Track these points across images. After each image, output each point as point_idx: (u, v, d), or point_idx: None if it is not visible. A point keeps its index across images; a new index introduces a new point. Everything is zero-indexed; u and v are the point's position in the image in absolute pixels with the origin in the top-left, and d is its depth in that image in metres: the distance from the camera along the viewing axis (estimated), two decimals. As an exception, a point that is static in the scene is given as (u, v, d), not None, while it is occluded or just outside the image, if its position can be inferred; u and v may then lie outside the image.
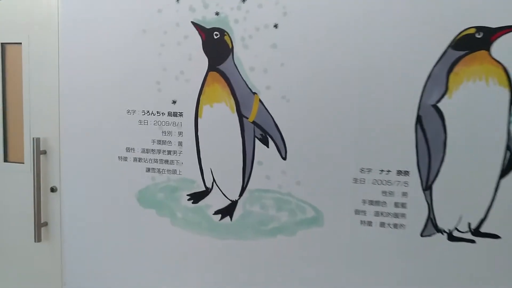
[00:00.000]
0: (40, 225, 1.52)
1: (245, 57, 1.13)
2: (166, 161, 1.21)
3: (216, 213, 1.20)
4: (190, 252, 1.23)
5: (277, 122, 1.12)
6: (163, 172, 1.22)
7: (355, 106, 1.08)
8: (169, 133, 1.20)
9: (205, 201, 1.20)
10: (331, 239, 1.13)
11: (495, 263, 1.06)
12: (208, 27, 1.14)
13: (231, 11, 1.12)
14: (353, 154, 1.10)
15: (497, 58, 1.01)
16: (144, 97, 1.20)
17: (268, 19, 1.11)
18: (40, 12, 1.42)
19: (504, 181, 1.04)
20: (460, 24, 1.01)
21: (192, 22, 1.15)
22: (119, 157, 1.24)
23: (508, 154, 1.04)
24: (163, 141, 1.21)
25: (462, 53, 1.03)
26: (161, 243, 1.24)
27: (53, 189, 1.51)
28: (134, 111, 1.21)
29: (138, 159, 1.23)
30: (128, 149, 1.23)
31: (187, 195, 1.21)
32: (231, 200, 1.18)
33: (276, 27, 1.10)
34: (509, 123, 1.02)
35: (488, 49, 1.01)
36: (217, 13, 1.13)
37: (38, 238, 1.53)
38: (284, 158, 1.14)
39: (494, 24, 1.00)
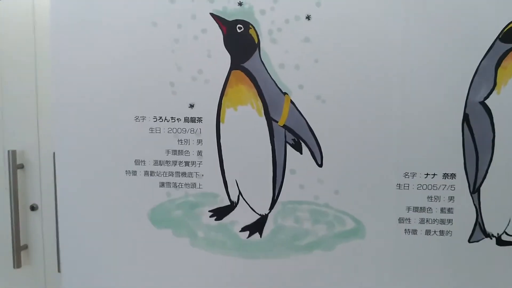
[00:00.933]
0: (19, 249, 1.32)
1: (274, 53, 1.00)
2: (184, 174, 1.05)
3: (243, 229, 1.06)
4: (214, 275, 1.08)
5: (311, 125, 1.01)
6: (180, 186, 1.06)
7: (397, 105, 0.99)
8: (187, 141, 1.04)
9: (230, 217, 1.06)
10: (374, 251, 1.04)
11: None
12: (230, 19, 1.00)
13: (256, 1, 0.98)
14: (396, 158, 1.00)
15: (548, 51, 0.96)
16: (156, 101, 1.03)
17: (299, 10, 0.98)
18: (14, 6, 1.21)
19: (554, 180, 0.99)
20: (509, 14, 0.95)
21: (211, 13, 1.00)
22: (126, 171, 1.06)
23: (558, 151, 0.99)
24: (179, 151, 1.05)
25: (510, 45, 0.96)
26: (180, 267, 1.09)
27: (33, 207, 1.31)
28: (143, 118, 1.04)
29: (149, 173, 1.06)
30: (137, 162, 1.06)
31: (209, 211, 1.06)
32: (260, 215, 1.05)
33: (309, 19, 0.98)
34: (559, 119, 0.98)
35: (538, 41, 0.96)
36: (240, 3, 0.99)
37: (17, 263, 1.33)
38: (320, 165, 1.02)
39: (545, 14, 0.95)
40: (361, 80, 0.99)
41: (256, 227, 1.06)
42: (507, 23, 0.94)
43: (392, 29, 0.97)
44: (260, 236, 1.06)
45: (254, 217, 1.06)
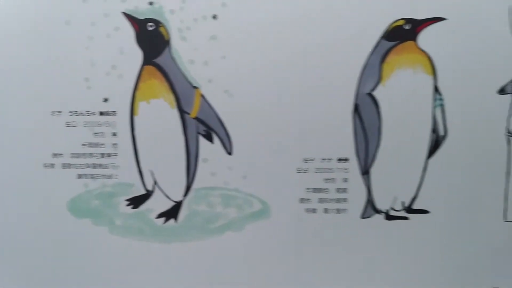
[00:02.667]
0: None
1: (184, 50, 1.07)
2: (100, 165, 1.10)
3: (159, 216, 1.13)
4: (133, 260, 1.14)
5: (221, 117, 1.09)
6: (97, 177, 1.11)
7: (296, 98, 1.09)
8: (102, 134, 1.09)
9: (146, 205, 1.12)
10: (279, 229, 1.14)
11: (426, 234, 1.16)
12: (141, 17, 1.06)
13: (166, 1, 1.05)
14: (296, 145, 1.11)
15: (422, 48, 1.09)
16: (71, 96, 1.07)
17: (206, 10, 1.06)
18: None
19: (431, 161, 1.14)
20: (392, 16, 1.08)
21: (123, 12, 1.05)
22: (44, 164, 1.10)
23: (434, 136, 1.14)
24: (95, 143, 1.09)
25: (393, 43, 1.10)
26: (100, 254, 1.13)
27: None
28: (60, 112, 1.08)
29: (67, 165, 1.10)
30: (55, 155, 1.09)
31: (126, 200, 1.12)
32: (175, 202, 1.13)
33: (215, 18, 1.06)
34: (433, 107, 1.12)
35: (414, 39, 1.09)
36: (150, 3, 1.05)
37: None
38: (230, 154, 1.11)
39: (420, 16, 1.08)
40: (265, 75, 1.08)
41: (172, 213, 1.13)
42: (389, 23, 1.08)
43: (290, 29, 1.07)
44: (176, 221, 1.14)
45: (169, 204, 1.13)
